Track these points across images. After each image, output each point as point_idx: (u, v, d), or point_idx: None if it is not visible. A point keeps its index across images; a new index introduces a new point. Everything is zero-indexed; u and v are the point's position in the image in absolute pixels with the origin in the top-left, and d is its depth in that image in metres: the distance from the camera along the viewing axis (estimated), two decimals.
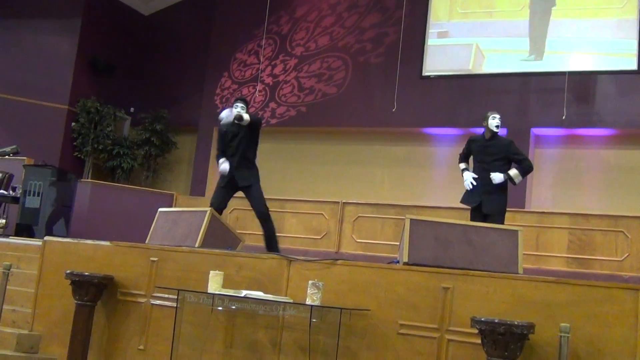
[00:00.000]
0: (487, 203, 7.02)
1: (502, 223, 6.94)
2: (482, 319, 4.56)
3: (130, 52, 14.78)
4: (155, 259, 6.10)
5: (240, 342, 5.59)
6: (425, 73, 11.92)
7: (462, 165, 7.44)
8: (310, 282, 5.13)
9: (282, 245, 10.56)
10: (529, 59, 11.22)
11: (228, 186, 7.28)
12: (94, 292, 6.02)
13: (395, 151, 12.37)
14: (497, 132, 7.17)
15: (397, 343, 5.09)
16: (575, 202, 10.78)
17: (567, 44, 11.08)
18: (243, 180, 7.23)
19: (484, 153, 7.13)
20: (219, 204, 7.21)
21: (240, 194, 7.45)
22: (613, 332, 4.54)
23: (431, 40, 11.89)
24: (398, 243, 9.49)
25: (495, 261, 5.37)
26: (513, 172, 7.06)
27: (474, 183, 7.12)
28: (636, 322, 4.50)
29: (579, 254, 9.18)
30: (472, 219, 7.07)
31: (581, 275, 8.98)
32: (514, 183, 7.12)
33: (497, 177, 7.00)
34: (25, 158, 11.57)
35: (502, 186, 7.08)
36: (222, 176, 7.30)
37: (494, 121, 7.13)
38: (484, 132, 7.29)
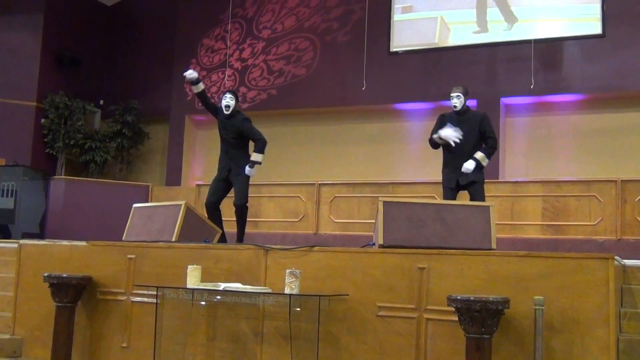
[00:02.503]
0: (464, 176, 6.98)
1: (483, 191, 7.02)
2: (458, 297, 4.64)
3: (96, 44, 14.60)
4: (133, 256, 6.12)
5: (223, 333, 5.64)
6: (393, 49, 11.91)
7: (435, 135, 7.15)
8: (287, 270, 5.18)
9: (261, 229, 10.69)
10: (506, 29, 11.17)
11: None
12: (73, 293, 6.04)
13: (368, 128, 12.40)
14: (462, 109, 7.07)
15: (377, 325, 5.17)
16: (548, 168, 10.90)
17: (531, 12, 11.10)
18: (234, 172, 7.37)
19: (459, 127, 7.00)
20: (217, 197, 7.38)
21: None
22: (586, 302, 4.65)
23: (396, 16, 11.85)
24: (375, 221, 9.61)
25: (468, 238, 5.45)
26: (479, 155, 6.92)
27: (459, 137, 6.95)
28: (608, 291, 4.61)
29: (553, 220, 9.32)
30: (447, 197, 7.07)
31: (557, 242, 9.14)
32: (482, 167, 7.00)
33: (469, 165, 6.88)
34: None
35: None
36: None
37: (452, 101, 7.07)
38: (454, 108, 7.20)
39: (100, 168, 13.60)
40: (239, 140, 7.37)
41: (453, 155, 7.06)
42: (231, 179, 7.33)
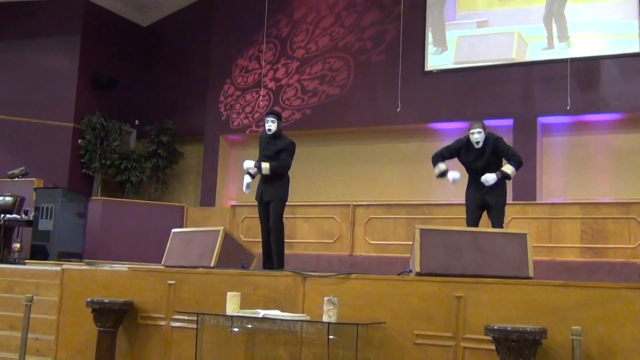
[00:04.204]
0: (490, 197, 7.08)
1: (503, 217, 7.13)
2: (495, 327, 4.74)
3: (132, 65, 15.00)
4: (173, 281, 6.31)
5: (261, 359, 5.80)
6: (428, 68, 12.02)
7: (442, 167, 7.22)
8: (325, 298, 5.33)
9: (296, 250, 10.83)
10: (561, 47, 11.20)
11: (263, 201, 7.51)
12: (115, 318, 6.24)
13: (403, 148, 12.55)
14: (483, 143, 7.05)
15: (414, 353, 5.28)
16: (586, 189, 10.94)
17: (568, 29, 11.17)
18: (266, 195, 7.46)
19: (476, 161, 7.09)
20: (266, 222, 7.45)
21: None
22: (624, 332, 4.72)
23: (469, 30, 11.87)
24: (411, 242, 9.72)
25: (505, 266, 5.54)
26: (507, 168, 7.01)
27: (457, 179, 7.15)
28: None
29: (592, 243, 9.34)
30: (470, 218, 7.17)
31: (596, 265, 9.15)
32: (509, 178, 7.10)
33: (490, 177, 6.95)
34: (34, 179, 11.85)
35: (502, 182, 7.14)
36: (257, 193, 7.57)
37: (473, 137, 7.00)
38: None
39: (136, 188, 13.93)
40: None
41: (475, 177, 7.14)
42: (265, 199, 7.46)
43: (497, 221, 7.07)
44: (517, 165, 7.08)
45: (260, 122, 13.44)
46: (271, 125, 7.49)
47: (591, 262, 9.24)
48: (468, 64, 11.78)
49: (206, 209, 12.80)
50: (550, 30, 11.31)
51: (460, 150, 7.21)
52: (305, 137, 12.91)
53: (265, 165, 7.40)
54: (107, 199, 12.22)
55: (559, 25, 11.24)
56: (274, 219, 7.36)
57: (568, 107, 10.66)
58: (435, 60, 12.03)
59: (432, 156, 7.37)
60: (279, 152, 7.46)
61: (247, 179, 7.68)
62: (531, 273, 5.53)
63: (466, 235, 5.73)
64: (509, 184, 9.61)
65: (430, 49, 12.09)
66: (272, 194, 7.40)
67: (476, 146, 7.04)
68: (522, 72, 11.48)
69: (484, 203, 7.14)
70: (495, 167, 7.09)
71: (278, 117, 7.56)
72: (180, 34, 15.11)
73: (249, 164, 7.58)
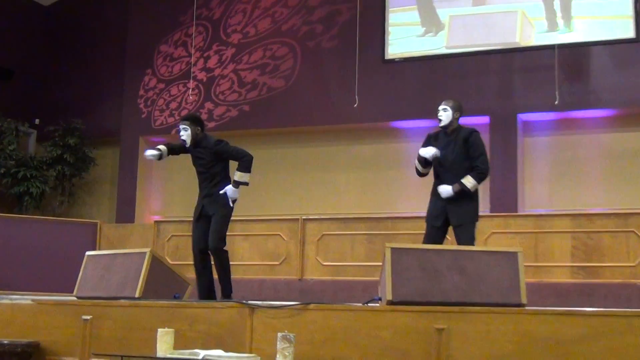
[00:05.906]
0: (454, 213, 6.98)
1: (474, 232, 7.00)
2: None
3: (31, 53, 14.67)
4: (89, 317, 6.14)
5: None
6: (388, 56, 12.01)
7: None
8: (279, 334, 5.19)
9: (234, 275, 10.62)
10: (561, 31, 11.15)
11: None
12: None
13: (360, 151, 12.54)
14: (450, 126, 7.03)
15: None
16: (575, 198, 11.06)
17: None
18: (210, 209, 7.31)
19: (444, 149, 7.02)
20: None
21: None
22: None
23: (465, 9, 11.75)
24: (372, 264, 9.70)
25: (493, 291, 5.50)
26: (467, 179, 6.89)
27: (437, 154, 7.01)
28: None
29: (585, 261, 9.40)
30: (428, 235, 7.06)
31: (590, 287, 9.23)
32: (469, 191, 6.91)
33: (444, 190, 6.92)
34: None
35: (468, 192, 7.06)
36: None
37: (438, 115, 7.09)
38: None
39: (37, 201, 13.61)
40: (214, 168, 7.35)
41: (440, 176, 7.10)
42: (208, 213, 7.29)
43: (463, 240, 6.93)
44: (479, 176, 6.94)
45: None
46: (183, 133, 7.34)
47: (585, 284, 9.31)
48: (463, 48, 11.64)
49: (124, 226, 12.54)
50: (551, 6, 11.17)
51: (430, 139, 7.18)
52: (243, 138, 12.74)
53: (240, 175, 7.24)
54: (1, 216, 11.86)
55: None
56: (215, 242, 7.16)
57: (556, 102, 10.74)
58: (426, 44, 11.93)
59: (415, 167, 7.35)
60: (214, 159, 7.30)
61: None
62: (524, 299, 5.50)
63: (446, 254, 5.68)
64: (485, 192, 9.70)
65: (416, 30, 11.98)
66: (216, 207, 7.26)
67: (440, 124, 7.02)
68: (500, 61, 11.55)
69: (447, 216, 7.02)
70: (466, 165, 6.98)
71: (191, 120, 7.39)
72: (90, 15, 14.85)
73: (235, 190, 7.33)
